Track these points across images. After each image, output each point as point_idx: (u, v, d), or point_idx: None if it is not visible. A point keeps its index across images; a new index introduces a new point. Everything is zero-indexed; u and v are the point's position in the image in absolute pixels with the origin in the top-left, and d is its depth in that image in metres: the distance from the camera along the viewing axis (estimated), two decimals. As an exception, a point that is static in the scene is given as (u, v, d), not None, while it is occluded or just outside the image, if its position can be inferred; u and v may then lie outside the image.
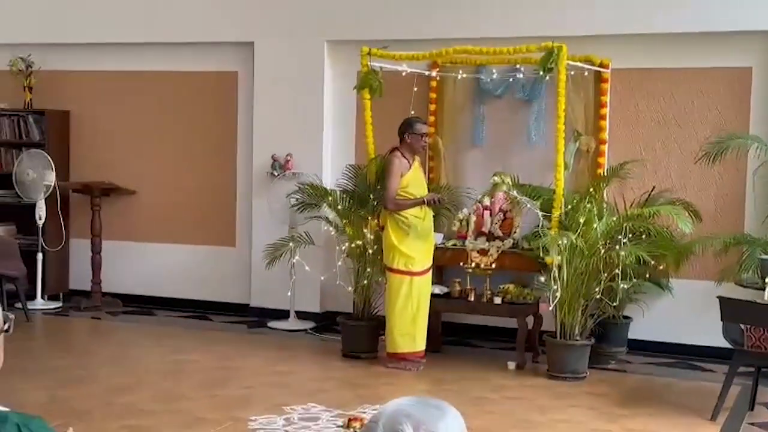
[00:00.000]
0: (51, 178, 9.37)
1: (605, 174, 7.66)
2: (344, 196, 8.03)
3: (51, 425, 2.43)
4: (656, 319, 7.66)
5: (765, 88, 7.50)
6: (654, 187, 7.48)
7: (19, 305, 8.80)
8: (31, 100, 9.83)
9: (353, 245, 7.80)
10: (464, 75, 8.18)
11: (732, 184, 7.53)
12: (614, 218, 7.22)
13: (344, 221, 7.92)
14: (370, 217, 7.70)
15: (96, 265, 9.47)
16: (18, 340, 7.58)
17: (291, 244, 8.33)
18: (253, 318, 8.91)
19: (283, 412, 5.93)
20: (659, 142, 7.72)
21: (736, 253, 7.11)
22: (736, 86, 7.58)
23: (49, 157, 9.40)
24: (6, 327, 2.48)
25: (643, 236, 7.23)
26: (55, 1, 9.59)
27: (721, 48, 7.53)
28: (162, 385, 6.91)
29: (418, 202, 7.25)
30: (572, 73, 7.58)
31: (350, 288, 7.88)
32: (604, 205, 7.49)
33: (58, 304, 9.57)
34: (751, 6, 7.30)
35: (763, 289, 6.14)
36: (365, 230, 7.71)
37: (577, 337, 7.04)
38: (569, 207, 7.18)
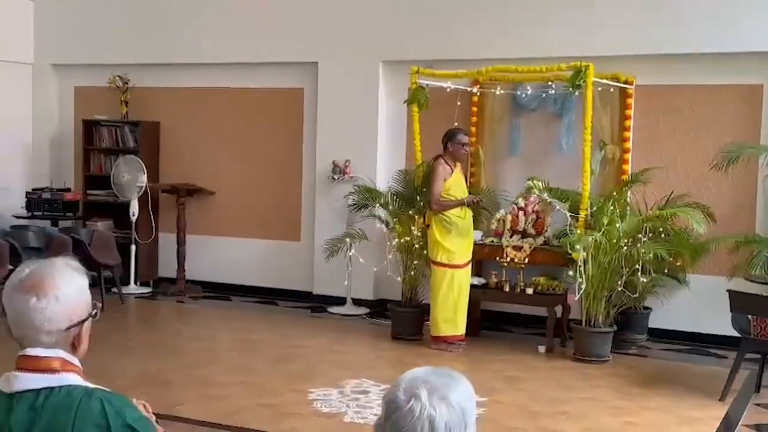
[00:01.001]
0: (143, 180, 9.46)
1: (628, 179, 7.54)
2: (394, 197, 8.07)
3: (135, 398, 2.50)
4: (674, 309, 7.58)
5: None
6: (672, 192, 7.37)
7: (115, 290, 8.94)
8: (126, 112, 9.90)
9: (402, 241, 7.83)
10: (502, 91, 8.13)
11: (743, 190, 7.40)
12: (635, 219, 7.11)
13: (394, 220, 7.99)
14: (416, 216, 7.72)
15: (181, 256, 9.54)
16: (113, 319, 7.86)
17: (348, 239, 8.43)
18: (314, 304, 8.94)
19: (338, 386, 6.01)
20: (678, 151, 7.60)
21: (747, 252, 7.00)
22: (748, 101, 7.45)
23: (142, 162, 9.52)
24: (94, 313, 2.55)
25: (662, 235, 7.13)
26: (147, 26, 9.68)
27: (734, 67, 7.40)
28: (234, 360, 7.05)
29: (459, 203, 7.27)
30: (599, 89, 7.52)
31: (399, 278, 7.91)
32: (627, 207, 7.33)
33: (148, 290, 9.67)
34: (761, 29, 7.14)
35: (770, 284, 6.09)
36: (412, 228, 7.76)
37: (601, 325, 6.98)
38: (594, 208, 7.11)
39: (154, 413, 2.65)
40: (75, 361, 2.40)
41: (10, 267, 7.82)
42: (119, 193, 9.58)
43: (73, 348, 2.40)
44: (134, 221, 9.55)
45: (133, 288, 9.54)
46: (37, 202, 9.92)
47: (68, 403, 2.28)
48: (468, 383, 1.99)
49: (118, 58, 9.84)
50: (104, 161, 10.04)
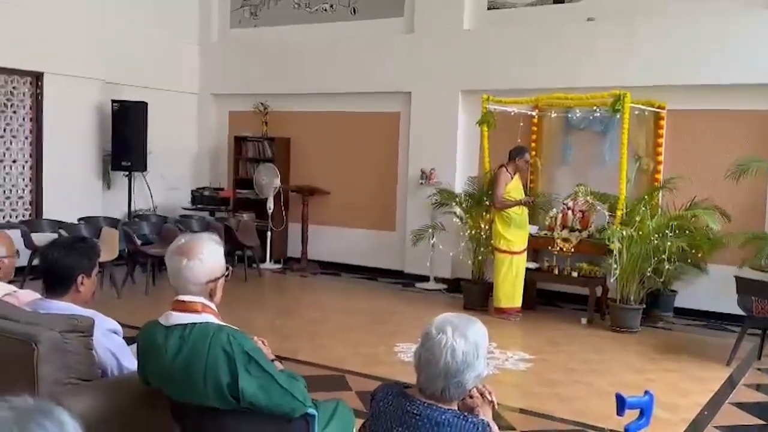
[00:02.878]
0: (277, 182, 9.65)
1: (658, 186, 7.42)
2: (467, 198, 8.10)
3: (256, 337, 2.69)
4: (695, 292, 7.42)
5: None
6: (695, 196, 7.17)
7: (254, 265, 9.19)
8: (266, 131, 10.10)
9: (472, 232, 7.87)
10: (556, 114, 8.09)
11: (754, 195, 7.17)
12: (664, 218, 7.00)
13: (467, 215, 8.01)
14: (484, 213, 7.74)
15: (304, 241, 9.63)
16: (252, 287, 8.22)
17: (431, 230, 8.50)
18: (405, 280, 8.95)
19: (418, 342, 6.12)
20: (701, 163, 7.40)
21: (755, 246, 6.78)
22: (760, 124, 7.20)
23: (277, 169, 9.69)
24: (227, 274, 2.80)
25: (686, 232, 6.98)
26: (282, 66, 9.84)
27: (748, 96, 7.17)
28: (340, 320, 7.21)
29: (517, 203, 7.28)
30: (636, 112, 7.37)
31: (470, 261, 7.95)
32: (659, 208, 7.24)
33: (279, 266, 9.83)
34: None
35: (771, 272, 5.93)
36: (481, 222, 7.78)
37: (633, 303, 6.91)
38: (629, 209, 7.01)
39: (276, 356, 2.87)
40: (212, 305, 2.66)
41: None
42: (259, 192, 9.77)
43: (211, 297, 2.66)
44: (270, 213, 9.71)
45: (268, 264, 9.71)
46: (199, 197, 10.28)
47: (205, 334, 2.54)
48: (482, 326, 2.17)
49: (260, 89, 10.07)
50: (249, 168, 10.20)
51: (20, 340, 2.60)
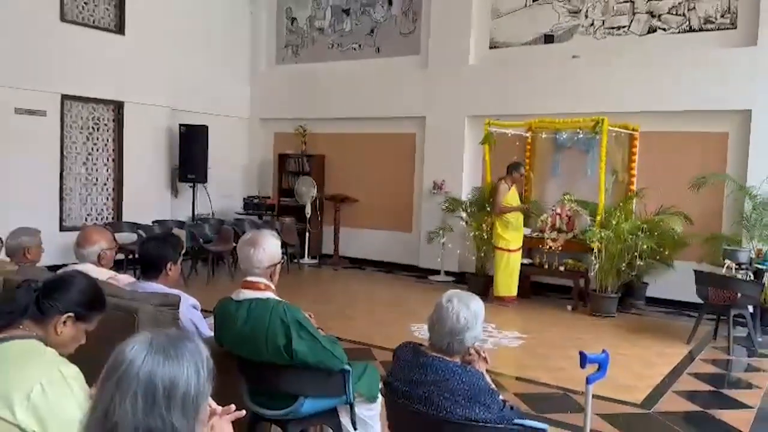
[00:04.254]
0: (314, 192, 9.76)
1: (631, 195, 7.51)
2: (472, 205, 8.22)
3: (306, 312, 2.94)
4: (663, 284, 7.46)
5: (736, 145, 7.19)
6: (662, 204, 7.30)
7: (295, 261, 9.25)
8: (304, 149, 10.21)
9: (476, 233, 7.97)
10: (546, 135, 8.16)
11: (713, 202, 7.24)
12: (636, 222, 7.08)
13: (471, 219, 8.13)
14: (485, 217, 7.83)
15: (336, 240, 9.75)
16: (293, 278, 8.42)
17: (441, 231, 8.57)
18: (419, 273, 8.98)
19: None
20: (668, 176, 7.47)
21: (713, 245, 6.90)
22: (718, 143, 7.29)
23: (313, 180, 9.81)
24: (282, 260, 3.08)
25: (655, 233, 7.02)
26: (319, 95, 9.89)
27: (709, 120, 7.26)
28: (365, 305, 7.27)
29: (514, 209, 7.37)
30: (614, 134, 7.46)
31: (474, 257, 8.06)
32: (632, 214, 7.32)
33: (315, 261, 9.89)
34: (727, 95, 7.03)
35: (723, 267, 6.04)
36: (483, 225, 7.86)
37: (610, 292, 6.99)
38: (607, 214, 7.09)
39: (318, 328, 3.11)
40: (272, 285, 2.92)
41: (234, 244, 8.56)
42: (299, 200, 9.86)
43: (270, 278, 2.93)
44: (307, 217, 9.79)
45: (306, 259, 9.79)
46: (249, 204, 10.36)
47: (266, 307, 2.81)
48: (480, 300, 2.41)
49: (300, 114, 10.20)
50: (290, 179, 10.24)
51: (124, 312, 2.81)
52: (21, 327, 1.87)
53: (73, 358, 1.92)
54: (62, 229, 7.99)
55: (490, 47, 8.71)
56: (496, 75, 8.47)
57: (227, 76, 10.29)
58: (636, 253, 6.91)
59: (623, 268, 7.03)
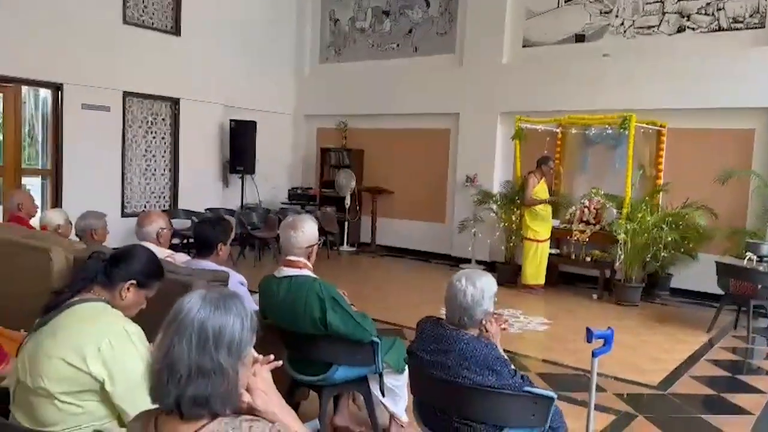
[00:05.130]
0: (353, 184, 9.84)
1: (657, 189, 7.49)
2: (502, 197, 8.22)
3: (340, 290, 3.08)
4: (687, 275, 7.37)
5: (762, 142, 7.06)
6: (688, 198, 7.22)
7: (335, 248, 9.49)
8: (345, 143, 10.37)
9: (506, 224, 8.02)
10: (576, 131, 8.13)
11: (738, 198, 7.12)
12: (661, 214, 7.04)
13: (501, 211, 8.15)
14: (515, 209, 7.88)
15: (373, 229, 9.90)
16: (333, 264, 8.57)
17: (473, 222, 8.57)
18: (452, 262, 8.95)
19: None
20: (694, 171, 7.36)
21: (736, 238, 6.81)
22: (744, 140, 7.16)
23: (353, 173, 9.88)
24: (320, 242, 3.25)
25: (680, 226, 7.00)
26: (358, 93, 10.04)
27: (735, 117, 7.13)
28: (399, 290, 7.39)
29: (542, 202, 7.37)
30: (642, 130, 7.41)
31: (503, 247, 8.10)
32: (659, 207, 7.29)
33: (354, 249, 9.97)
34: (753, 91, 6.90)
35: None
36: (513, 216, 7.92)
37: (634, 282, 6.96)
38: (633, 207, 7.07)
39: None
40: (309, 264, 3.10)
41: (278, 232, 8.83)
42: (339, 191, 9.91)
43: (308, 258, 3.12)
44: (347, 208, 9.87)
45: (345, 247, 9.89)
46: (293, 195, 10.48)
47: (304, 283, 3.00)
48: (490, 277, 2.53)
49: (341, 111, 10.31)
50: (331, 172, 10.29)
51: (180, 286, 2.93)
52: (92, 291, 2.09)
53: (135, 320, 2.14)
54: (123, 215, 8.37)
55: (523, 46, 8.69)
56: (528, 73, 8.46)
57: (274, 76, 10.49)
58: (661, 245, 6.88)
59: (648, 260, 7.01)
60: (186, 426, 1.29)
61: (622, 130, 7.20)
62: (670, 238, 6.83)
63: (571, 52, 8.26)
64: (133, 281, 2.14)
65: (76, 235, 4.46)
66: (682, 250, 7.18)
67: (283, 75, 10.74)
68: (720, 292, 6.07)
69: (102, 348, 1.91)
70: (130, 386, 1.92)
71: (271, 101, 10.41)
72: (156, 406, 1.39)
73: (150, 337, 2.07)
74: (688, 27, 7.55)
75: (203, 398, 1.27)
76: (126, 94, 8.41)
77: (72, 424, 1.93)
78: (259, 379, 1.44)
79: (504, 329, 2.61)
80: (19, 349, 2.08)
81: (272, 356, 1.54)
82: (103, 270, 2.11)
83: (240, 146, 9.43)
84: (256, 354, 1.46)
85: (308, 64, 11.02)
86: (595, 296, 7.31)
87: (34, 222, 5.19)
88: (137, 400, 1.85)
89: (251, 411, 1.41)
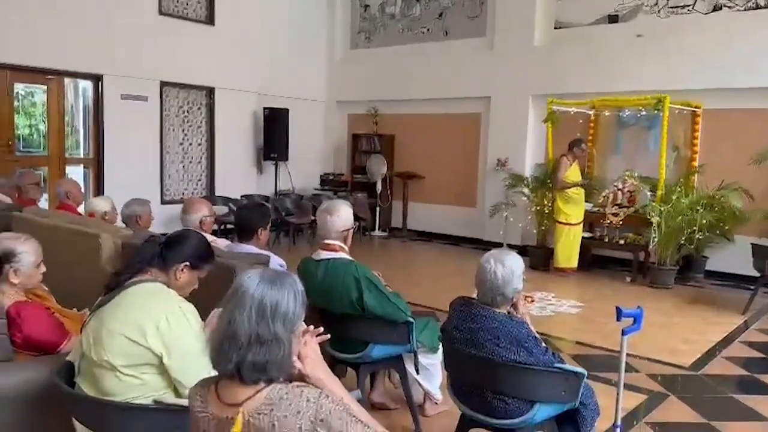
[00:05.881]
0: (384, 169, 9.92)
1: (692, 171, 7.40)
2: (534, 180, 8.22)
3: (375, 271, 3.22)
4: (723, 257, 7.29)
5: None
6: (723, 180, 7.12)
7: (366, 233, 9.72)
8: (376, 129, 10.42)
9: (537, 207, 8.02)
10: (609, 113, 8.07)
11: None
12: (696, 196, 6.96)
13: (533, 194, 8.15)
14: (547, 192, 7.87)
15: (404, 214, 9.98)
16: (365, 249, 8.73)
17: (504, 206, 8.54)
18: (483, 246, 8.55)
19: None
20: (730, 152, 7.25)
21: (774, 220, 6.72)
22: None
23: (384, 158, 9.97)
24: (355, 227, 3.37)
25: (715, 208, 6.94)
26: (388, 79, 10.06)
27: None
28: (431, 273, 7.51)
29: (574, 185, 7.36)
30: (677, 111, 7.32)
31: (535, 231, 8.10)
32: (694, 189, 7.20)
33: (385, 233, 10.11)
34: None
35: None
36: (544, 200, 7.92)
37: (668, 264, 6.94)
38: (667, 190, 7.03)
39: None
40: (345, 247, 3.22)
41: (312, 217, 8.95)
42: (371, 177, 10.02)
43: (344, 241, 3.25)
44: (378, 193, 9.98)
45: (376, 232, 10.05)
46: (326, 181, 10.69)
47: (341, 265, 3.12)
48: (517, 256, 2.58)
49: (372, 96, 10.38)
50: (363, 158, 10.39)
51: (224, 269, 3.06)
52: (149, 273, 2.26)
53: (187, 300, 2.30)
54: (163, 202, 8.64)
55: (555, 27, 8.62)
56: (561, 55, 8.40)
57: (306, 63, 10.59)
58: (695, 228, 6.81)
59: (682, 242, 6.96)
60: (245, 390, 1.43)
61: (656, 112, 7.16)
62: (705, 221, 6.76)
63: (604, 33, 8.18)
64: (187, 263, 2.29)
65: (122, 222, 4.67)
66: (718, 232, 7.11)
67: (314, 62, 10.84)
68: (756, 274, 6.02)
69: (160, 325, 2.06)
70: (186, 360, 2.08)
71: (303, 88, 10.53)
72: (211, 374, 1.55)
73: (202, 315, 2.24)
74: (724, 5, 7.40)
75: (261, 364, 1.41)
76: (163, 84, 8.64)
77: (132, 394, 2.09)
78: (308, 349, 1.58)
79: (531, 302, 2.70)
80: (83, 326, 2.26)
81: (321, 329, 1.69)
82: (158, 253, 2.27)
83: (273, 134, 9.59)
84: (305, 326, 1.60)
85: (339, 51, 11.09)
86: (628, 279, 7.30)
87: (81, 209, 5.45)
88: (192, 372, 2.02)
89: (301, 378, 1.56)
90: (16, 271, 2.62)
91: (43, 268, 2.72)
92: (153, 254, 2.27)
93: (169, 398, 2.10)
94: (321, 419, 1.39)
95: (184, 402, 2.04)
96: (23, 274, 2.63)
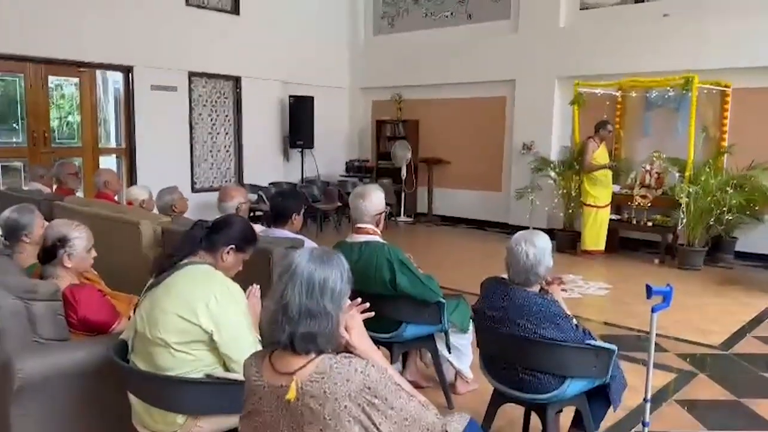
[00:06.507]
0: (409, 155, 9.93)
1: (721, 151, 7.33)
2: (560, 163, 8.21)
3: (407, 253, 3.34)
4: (753, 238, 7.23)
5: None
6: (753, 160, 7.05)
7: (392, 218, 9.77)
8: (400, 115, 10.46)
9: (564, 191, 8.02)
10: (636, 94, 8.01)
11: None
12: (725, 177, 6.92)
13: (559, 177, 8.14)
14: (574, 175, 7.87)
15: (429, 200, 10.03)
16: (391, 234, 8.70)
17: (530, 189, 8.56)
18: (508, 230, 8.58)
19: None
20: (761, 132, 7.18)
21: (806, 200, 6.64)
22: None
23: (408, 144, 9.98)
24: (387, 211, 3.49)
25: (745, 189, 6.89)
26: (411, 65, 10.07)
27: None
28: (458, 257, 7.55)
29: (602, 167, 7.36)
30: (705, 91, 7.25)
31: (561, 214, 8.10)
32: (723, 170, 7.15)
33: (411, 219, 10.16)
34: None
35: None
36: (571, 182, 7.91)
37: (696, 246, 6.92)
38: (696, 170, 6.99)
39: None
40: (378, 230, 3.33)
41: (338, 203, 9.15)
42: (395, 162, 10.05)
43: (377, 225, 3.35)
44: (403, 179, 10.00)
45: (402, 218, 10.09)
46: (351, 167, 10.70)
47: (374, 248, 3.23)
48: (546, 236, 2.66)
49: (396, 82, 10.42)
50: (387, 144, 10.43)
51: (260, 253, 3.13)
52: (197, 256, 2.39)
53: (232, 280, 2.43)
54: (194, 190, 8.85)
55: (581, 8, 8.56)
56: (586, 36, 8.34)
57: (330, 50, 10.64)
58: (725, 208, 6.78)
59: (712, 223, 6.93)
60: (297, 360, 1.55)
61: (684, 92, 7.09)
62: (734, 201, 6.72)
63: (630, 13, 8.10)
64: (232, 246, 2.42)
65: (159, 212, 4.82)
66: (747, 213, 7.05)
67: (338, 49, 10.89)
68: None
69: (210, 304, 2.19)
70: (233, 336, 2.21)
71: (328, 76, 10.59)
72: (257, 348, 1.67)
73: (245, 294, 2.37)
74: (755, -19, 7.28)
75: (312, 336, 1.53)
76: (191, 74, 8.81)
77: (184, 369, 2.23)
78: (354, 322, 1.70)
79: (561, 284, 2.78)
80: (136, 306, 2.41)
81: (367, 305, 1.81)
82: (206, 236, 2.40)
83: (299, 121, 9.69)
84: (349, 302, 1.72)
85: (362, 37, 11.13)
86: (656, 261, 7.29)
87: (119, 198, 5.64)
88: (239, 347, 2.17)
89: (347, 349, 1.67)
90: (69, 256, 2.77)
91: (93, 253, 2.87)
92: (201, 238, 2.40)
93: (219, 372, 2.24)
94: (368, 387, 1.50)
95: (233, 376, 2.19)
96: (76, 258, 2.78)
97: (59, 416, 2.48)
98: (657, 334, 4.58)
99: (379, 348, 3.55)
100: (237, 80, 9.37)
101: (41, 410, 2.43)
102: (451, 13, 10.01)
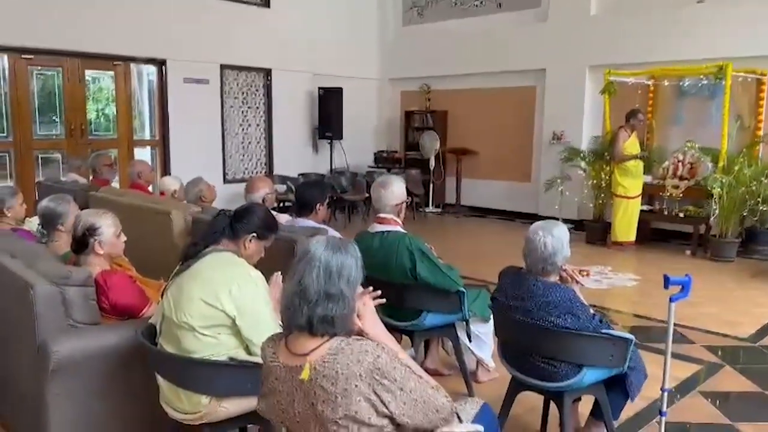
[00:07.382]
0: (437, 145, 9.95)
1: (755, 140, 7.15)
2: (591, 153, 8.12)
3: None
4: None
5: None
6: None
7: (420, 209, 9.79)
8: (428, 105, 10.51)
9: (594, 181, 7.94)
10: (669, 83, 7.88)
11: None
12: (759, 167, 6.77)
13: (590, 167, 8.06)
14: (605, 165, 7.78)
15: (458, 190, 10.02)
16: (419, 224, 8.86)
17: (559, 180, 8.47)
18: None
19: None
20: None
21: None
22: None
23: (437, 134, 10.02)
24: (408, 201, 3.52)
25: None
26: (439, 56, 10.05)
27: None
28: (485, 248, 7.56)
29: (633, 157, 7.25)
30: (740, 79, 7.10)
31: (591, 205, 8.04)
32: (758, 160, 7.01)
33: (439, 209, 10.23)
34: None
35: None
36: (601, 173, 7.83)
37: (729, 237, 6.81)
38: (729, 160, 6.84)
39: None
40: (399, 221, 3.36)
41: (366, 194, 9.17)
42: (424, 153, 10.08)
43: (398, 215, 3.40)
44: (431, 169, 10.02)
45: (430, 208, 10.13)
46: (379, 158, 10.74)
47: (395, 237, 3.27)
48: (563, 226, 2.67)
49: (424, 73, 10.43)
50: (416, 135, 10.48)
51: (285, 242, 3.20)
52: (221, 244, 2.48)
53: (255, 267, 2.51)
54: (225, 182, 9.03)
55: (612, -4, 8.44)
56: (618, 24, 8.22)
57: (359, 41, 10.69)
58: (759, 199, 6.65)
59: (745, 214, 6.80)
60: (312, 341, 1.63)
61: (717, 80, 6.93)
62: (769, 192, 6.58)
63: (662, 0, 7.93)
64: (254, 234, 2.50)
65: (188, 202, 4.95)
66: (785, 203, 6.87)
67: (367, 40, 10.93)
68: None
69: (233, 290, 2.27)
70: (255, 321, 2.29)
71: (357, 67, 10.64)
72: (278, 332, 1.75)
73: (267, 280, 2.45)
74: (794, -35, 7.06)
75: (329, 318, 1.61)
76: (223, 67, 8.96)
77: (209, 352, 2.32)
78: (367, 309, 1.77)
79: (587, 275, 2.78)
80: (163, 292, 2.51)
81: (379, 292, 1.87)
82: (229, 225, 2.49)
83: (328, 113, 9.78)
84: (362, 289, 1.78)
85: (391, 28, 11.13)
86: (688, 252, 7.19)
87: (151, 188, 5.81)
88: (260, 331, 2.24)
89: (360, 334, 1.74)
90: (100, 243, 2.88)
91: (123, 237, 2.98)
92: (224, 226, 2.49)
93: (242, 355, 2.32)
94: (378, 368, 1.56)
95: (255, 359, 2.27)
96: (107, 244, 2.89)
97: (92, 395, 2.60)
98: (684, 326, 4.59)
99: (400, 336, 3.65)
100: (267, 72, 9.49)
101: (75, 390, 2.55)
102: (481, 2, 9.95)
